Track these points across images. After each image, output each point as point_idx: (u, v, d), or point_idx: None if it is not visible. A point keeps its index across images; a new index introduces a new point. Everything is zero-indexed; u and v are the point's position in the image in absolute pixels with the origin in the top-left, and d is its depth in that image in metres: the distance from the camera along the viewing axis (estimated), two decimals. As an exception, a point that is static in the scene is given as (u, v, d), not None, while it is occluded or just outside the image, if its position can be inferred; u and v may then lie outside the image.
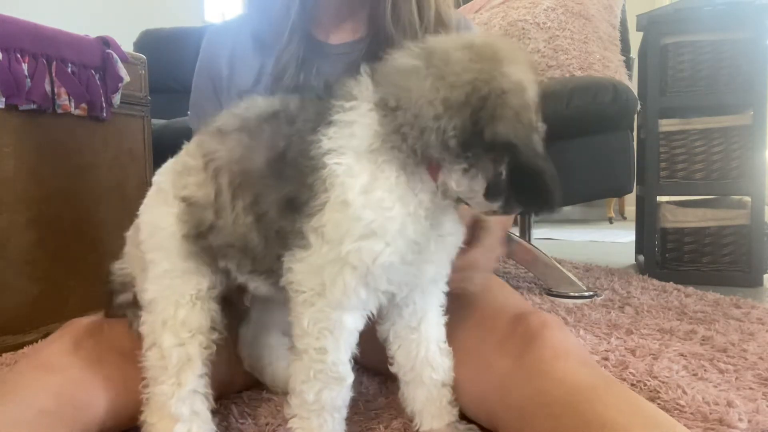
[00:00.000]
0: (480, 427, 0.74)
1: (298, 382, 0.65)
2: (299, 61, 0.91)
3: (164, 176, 0.74)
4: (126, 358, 0.73)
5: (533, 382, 0.64)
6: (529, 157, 0.56)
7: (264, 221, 0.65)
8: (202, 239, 0.69)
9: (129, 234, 0.79)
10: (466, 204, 0.64)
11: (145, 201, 0.76)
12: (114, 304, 0.80)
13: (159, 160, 0.78)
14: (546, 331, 0.70)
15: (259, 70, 0.94)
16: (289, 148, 0.64)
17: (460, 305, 0.80)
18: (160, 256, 0.70)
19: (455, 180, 0.60)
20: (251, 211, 0.65)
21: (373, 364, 1.03)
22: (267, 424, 0.80)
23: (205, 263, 0.71)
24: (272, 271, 0.67)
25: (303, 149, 0.62)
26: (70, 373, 0.70)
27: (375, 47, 0.88)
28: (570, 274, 1.76)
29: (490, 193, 0.59)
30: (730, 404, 0.83)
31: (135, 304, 0.75)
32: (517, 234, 1.97)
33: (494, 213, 0.63)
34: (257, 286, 0.72)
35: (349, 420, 0.81)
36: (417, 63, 0.60)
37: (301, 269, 0.62)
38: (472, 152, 0.57)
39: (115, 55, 1.45)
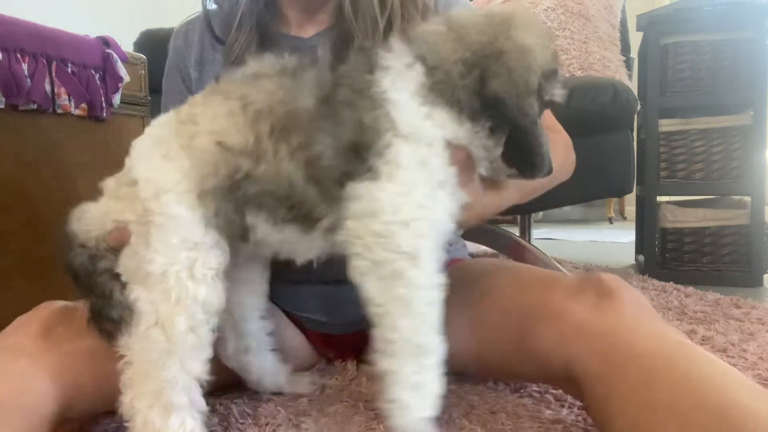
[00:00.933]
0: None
1: (412, 335, 0.60)
2: (253, 53, 0.89)
3: (164, 127, 0.68)
4: (98, 342, 0.69)
5: (620, 333, 0.65)
6: (516, 115, 0.61)
7: (316, 164, 0.62)
8: (234, 190, 0.64)
9: (109, 186, 0.69)
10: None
11: (137, 153, 0.68)
12: (95, 279, 0.67)
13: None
14: (622, 289, 0.71)
15: (222, 66, 0.94)
16: (338, 89, 0.64)
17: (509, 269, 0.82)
18: (172, 223, 0.63)
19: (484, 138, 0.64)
20: (299, 155, 0.63)
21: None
22: (267, 424, 0.80)
23: (224, 233, 0.65)
24: (313, 215, 0.64)
25: (360, 89, 0.63)
26: (38, 359, 0.68)
27: (340, 34, 0.89)
28: (570, 274, 1.76)
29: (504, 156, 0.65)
30: (730, 404, 0.83)
31: (108, 272, 0.66)
32: (517, 234, 1.97)
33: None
34: (283, 236, 0.67)
35: (349, 420, 0.81)
36: (440, 27, 0.66)
37: (388, 192, 0.60)
38: (486, 114, 0.63)
39: (115, 55, 1.45)
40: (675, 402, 0.55)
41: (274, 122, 0.63)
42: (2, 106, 1.20)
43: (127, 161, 0.69)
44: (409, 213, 0.60)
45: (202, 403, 0.66)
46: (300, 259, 0.72)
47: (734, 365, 1.03)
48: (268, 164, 0.63)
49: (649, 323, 0.67)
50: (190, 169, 0.64)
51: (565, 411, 0.83)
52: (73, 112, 1.35)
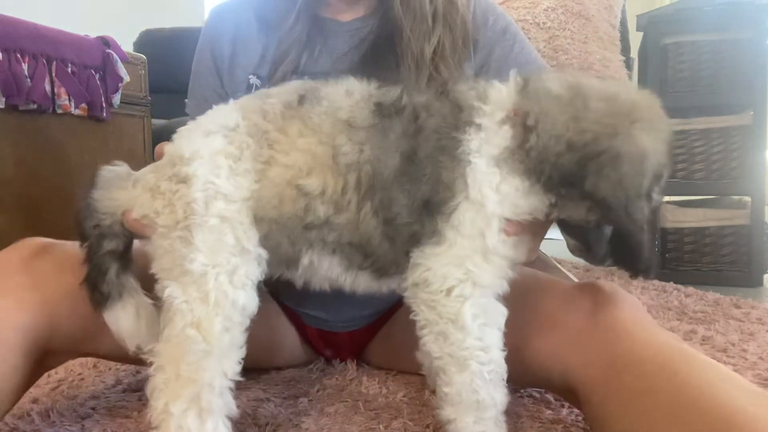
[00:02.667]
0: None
1: (467, 392, 0.62)
2: (302, 44, 0.90)
3: (235, 134, 0.64)
4: (76, 276, 0.68)
5: (618, 341, 0.65)
6: (623, 220, 0.58)
7: (393, 224, 0.63)
8: (307, 231, 0.63)
9: (147, 179, 0.65)
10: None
11: (194, 149, 0.63)
12: (97, 253, 0.65)
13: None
14: (618, 297, 0.71)
15: (263, 53, 0.93)
16: (421, 145, 0.63)
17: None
18: (225, 228, 0.61)
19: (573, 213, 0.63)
20: (380, 213, 0.63)
21: (380, 363, 1.03)
22: (267, 424, 0.80)
23: (270, 254, 0.64)
24: (389, 267, 0.65)
25: (445, 146, 0.62)
26: (19, 294, 0.69)
27: (385, 30, 0.89)
28: (570, 274, 1.76)
29: (583, 242, 0.65)
30: (730, 404, 0.83)
31: (110, 253, 0.65)
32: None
33: (582, 255, 0.69)
34: (354, 280, 0.68)
35: (349, 420, 0.81)
36: (564, 93, 0.62)
37: (440, 262, 0.62)
38: (566, 191, 0.60)
39: (115, 55, 1.45)
40: (675, 408, 0.55)
41: (361, 177, 0.62)
42: (2, 106, 1.20)
43: (173, 152, 0.64)
44: (454, 281, 0.62)
45: (233, 408, 0.64)
46: (333, 287, 0.72)
47: (734, 365, 1.03)
48: (350, 215, 0.62)
49: (647, 330, 0.67)
50: (255, 192, 0.63)
51: (565, 411, 0.83)
52: (73, 112, 1.35)
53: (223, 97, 0.92)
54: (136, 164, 0.71)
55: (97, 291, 0.65)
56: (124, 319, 0.65)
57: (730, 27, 1.96)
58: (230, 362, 0.62)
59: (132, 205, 0.64)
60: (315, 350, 1.06)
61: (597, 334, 0.68)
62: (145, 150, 1.59)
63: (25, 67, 1.22)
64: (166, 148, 0.66)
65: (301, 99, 0.66)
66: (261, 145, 0.64)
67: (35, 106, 1.26)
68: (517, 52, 0.95)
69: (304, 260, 0.66)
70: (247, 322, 0.64)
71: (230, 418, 0.63)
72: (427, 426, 0.78)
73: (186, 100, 1.04)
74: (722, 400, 0.53)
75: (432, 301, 0.63)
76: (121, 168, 0.69)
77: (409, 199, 0.62)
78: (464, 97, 0.65)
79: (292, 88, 0.68)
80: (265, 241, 0.64)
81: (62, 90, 1.31)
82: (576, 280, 1.73)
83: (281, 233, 0.64)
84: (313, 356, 1.07)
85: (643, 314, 0.71)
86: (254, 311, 0.64)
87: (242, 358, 0.64)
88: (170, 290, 0.61)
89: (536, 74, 0.66)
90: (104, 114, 1.43)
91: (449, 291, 0.62)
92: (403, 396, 0.89)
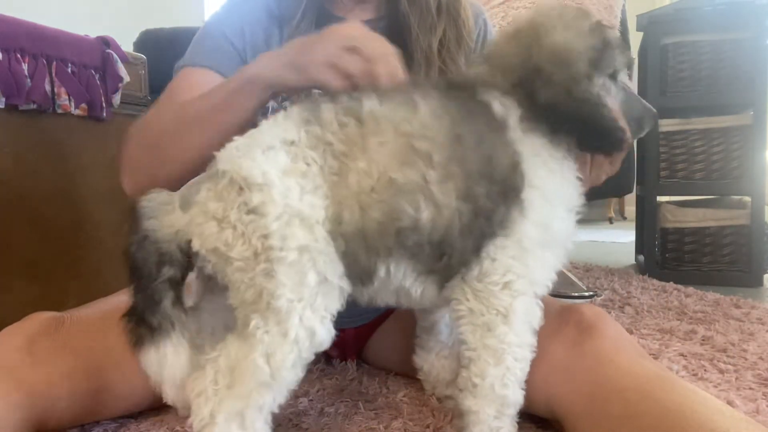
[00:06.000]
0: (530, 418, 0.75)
1: (499, 386, 0.64)
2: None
3: (301, 149, 0.60)
4: (78, 357, 0.73)
5: (601, 369, 0.67)
6: (576, 108, 0.64)
7: (474, 211, 0.62)
8: (393, 235, 0.60)
9: (210, 206, 0.59)
10: None
11: (258, 164, 0.58)
12: (153, 283, 0.61)
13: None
14: (602, 324, 0.73)
15: (266, 40, 0.92)
16: (478, 126, 0.64)
17: None
18: (307, 258, 0.57)
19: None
20: (461, 201, 0.61)
21: (380, 363, 1.03)
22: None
23: (353, 271, 0.62)
24: (458, 268, 0.64)
25: (487, 124, 0.65)
26: (17, 374, 0.69)
27: (393, 28, 0.89)
28: (570, 274, 1.76)
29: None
30: (730, 404, 0.82)
31: (169, 281, 0.61)
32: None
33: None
34: (416, 289, 0.66)
35: (349, 420, 0.81)
36: (483, 68, 0.69)
37: (506, 254, 0.63)
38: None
39: (115, 55, 1.45)
40: None
41: (442, 164, 0.61)
42: (2, 106, 1.20)
43: (236, 173, 0.59)
44: (513, 276, 0.63)
45: (269, 429, 0.63)
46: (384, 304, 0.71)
47: (734, 365, 1.03)
48: (435, 205, 0.60)
49: (630, 357, 0.68)
50: (330, 206, 0.59)
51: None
52: (73, 112, 1.35)
53: (244, 60, 0.90)
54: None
55: (143, 323, 0.61)
56: (172, 361, 0.61)
57: (730, 27, 1.96)
58: (284, 392, 0.61)
59: (192, 231, 0.60)
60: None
61: (581, 363, 0.69)
62: (145, 150, 1.59)
63: (25, 67, 1.22)
64: (221, 166, 0.61)
65: (357, 99, 0.63)
66: (326, 157, 0.60)
67: (35, 106, 1.26)
68: None
69: (381, 271, 0.63)
70: (313, 357, 0.62)
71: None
72: (427, 426, 0.78)
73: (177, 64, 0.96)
74: (703, 423, 0.54)
75: (484, 292, 0.64)
76: (159, 194, 0.65)
77: (487, 174, 0.62)
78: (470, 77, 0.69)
79: (344, 92, 0.66)
80: (343, 260, 0.61)
81: (62, 90, 1.31)
82: (576, 279, 1.73)
83: (360, 246, 0.60)
84: (317, 356, 1.07)
85: (626, 341, 0.73)
86: (327, 346, 0.62)
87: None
88: (256, 322, 0.58)
89: (488, 47, 0.73)
90: (104, 114, 1.43)
91: (507, 285, 0.63)
92: (403, 396, 0.89)
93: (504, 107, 0.65)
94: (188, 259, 0.62)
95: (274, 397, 0.60)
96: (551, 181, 0.65)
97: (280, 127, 0.62)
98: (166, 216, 0.62)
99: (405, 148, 0.61)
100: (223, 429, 0.58)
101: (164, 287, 0.62)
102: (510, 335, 0.64)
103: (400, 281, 0.65)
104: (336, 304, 0.61)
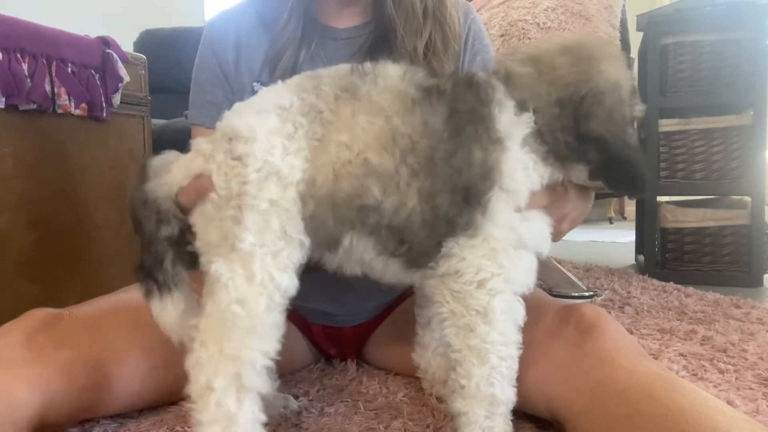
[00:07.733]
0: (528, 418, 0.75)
1: (485, 386, 0.64)
2: (298, 43, 0.90)
3: (292, 113, 0.64)
4: (76, 352, 0.73)
5: (601, 369, 0.67)
6: (620, 149, 0.63)
7: (434, 210, 0.63)
8: (356, 210, 0.63)
9: (203, 147, 0.65)
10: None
11: (247, 121, 0.64)
12: (155, 241, 0.66)
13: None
14: (602, 323, 0.73)
15: (265, 57, 0.94)
16: (462, 126, 0.64)
17: None
18: (274, 211, 0.62)
19: (578, 173, 0.68)
20: (424, 198, 0.63)
21: (380, 363, 1.03)
22: (266, 424, 0.80)
23: (312, 236, 0.65)
24: (420, 258, 0.66)
25: (487, 126, 0.64)
26: (16, 370, 0.69)
27: (380, 31, 0.90)
28: (570, 275, 1.76)
29: (591, 177, 0.67)
30: (730, 404, 0.82)
31: (168, 239, 0.66)
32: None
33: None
34: (378, 265, 0.68)
35: (349, 420, 0.81)
36: (529, 70, 0.67)
37: (476, 254, 0.64)
38: (573, 153, 0.65)
39: (115, 55, 1.45)
40: None
41: (414, 159, 0.63)
42: (2, 106, 1.20)
43: (227, 128, 0.65)
44: (487, 274, 0.64)
45: (268, 387, 0.65)
46: (359, 274, 0.72)
47: (734, 365, 1.03)
48: (398, 197, 0.63)
49: (630, 357, 0.68)
50: (307, 170, 0.63)
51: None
52: (73, 112, 1.35)
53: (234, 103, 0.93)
54: (136, 164, 0.71)
55: (151, 279, 0.66)
56: (171, 311, 0.66)
57: (730, 27, 1.96)
58: (271, 341, 0.63)
59: (180, 166, 0.65)
60: (320, 350, 1.06)
61: (582, 363, 0.69)
62: (145, 150, 1.59)
63: (25, 67, 1.22)
64: (219, 124, 0.67)
65: (356, 79, 0.67)
66: (314, 124, 0.64)
67: (35, 106, 1.26)
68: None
69: (345, 241, 0.66)
70: (286, 304, 0.64)
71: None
72: (427, 426, 0.78)
73: (186, 112, 1.02)
74: (704, 423, 0.54)
75: (461, 292, 0.64)
76: (169, 155, 0.69)
77: (453, 185, 0.63)
78: (478, 79, 0.68)
79: (345, 69, 0.69)
80: (310, 222, 0.64)
81: (62, 90, 1.31)
82: (575, 279, 1.73)
83: (329, 212, 0.64)
84: (318, 357, 1.07)
85: (626, 340, 0.73)
86: (293, 294, 0.64)
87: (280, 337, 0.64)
88: (217, 266, 0.61)
89: (501, 65, 0.70)
90: (104, 114, 1.43)
91: (481, 283, 0.64)
92: (403, 396, 0.89)
93: (511, 124, 0.64)
94: (185, 215, 0.66)
95: (265, 349, 0.62)
96: (522, 185, 0.64)
97: (276, 93, 0.67)
98: (168, 174, 0.67)
99: (389, 136, 0.63)
100: (219, 395, 0.60)
101: (164, 246, 0.66)
102: (492, 334, 0.64)
103: (361, 255, 0.67)
104: (298, 255, 0.64)
